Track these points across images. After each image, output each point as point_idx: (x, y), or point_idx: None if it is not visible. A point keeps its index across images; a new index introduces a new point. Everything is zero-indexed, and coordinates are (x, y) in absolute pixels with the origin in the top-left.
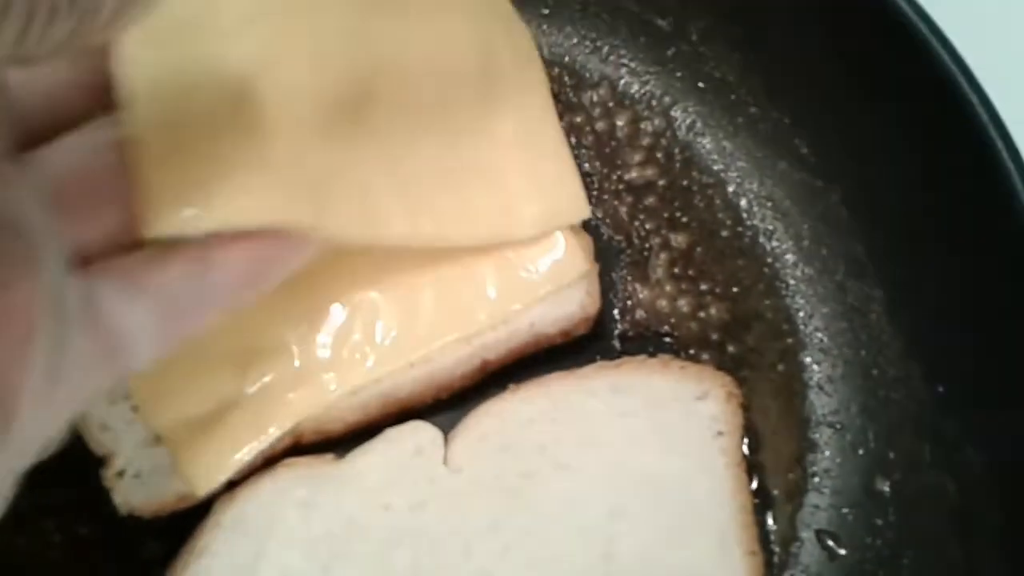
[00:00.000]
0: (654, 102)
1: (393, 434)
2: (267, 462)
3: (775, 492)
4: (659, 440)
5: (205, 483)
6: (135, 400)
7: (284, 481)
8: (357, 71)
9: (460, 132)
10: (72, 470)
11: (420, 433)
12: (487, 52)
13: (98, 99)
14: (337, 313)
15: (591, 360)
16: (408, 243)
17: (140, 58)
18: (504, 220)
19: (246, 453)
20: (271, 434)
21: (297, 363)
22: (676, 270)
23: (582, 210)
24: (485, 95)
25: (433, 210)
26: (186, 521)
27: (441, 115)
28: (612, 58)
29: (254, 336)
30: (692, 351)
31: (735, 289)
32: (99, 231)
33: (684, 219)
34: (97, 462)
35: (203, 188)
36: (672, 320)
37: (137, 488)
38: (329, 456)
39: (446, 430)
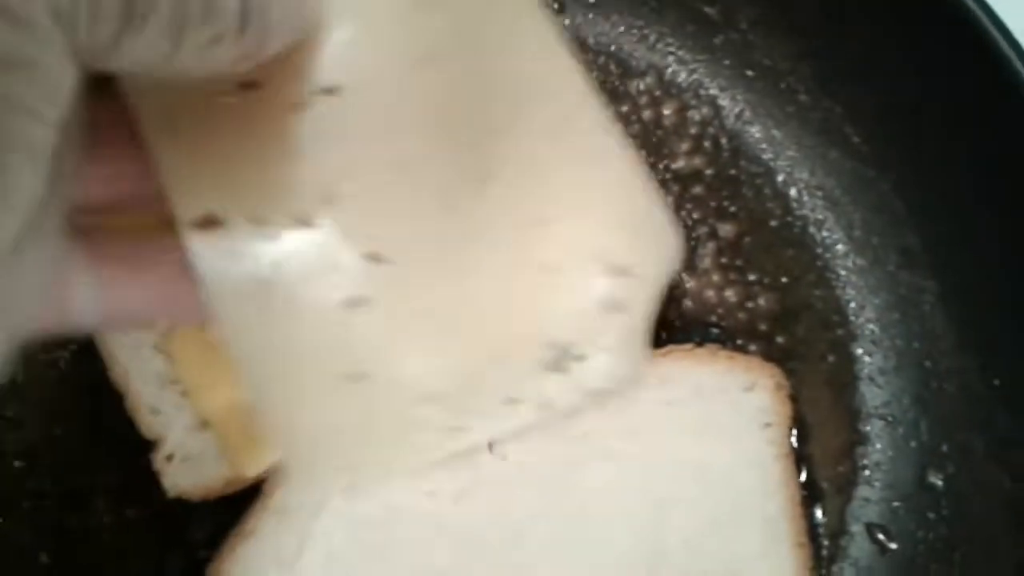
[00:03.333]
0: (701, 91)
1: None
2: None
3: (824, 484)
4: (706, 430)
5: (252, 466)
6: (184, 385)
7: None
8: None
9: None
10: (122, 453)
11: None
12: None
13: None
14: None
15: None
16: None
17: None
18: None
19: None
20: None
21: None
22: (724, 260)
23: None
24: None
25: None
26: (234, 505)
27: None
28: (659, 46)
29: None
30: (740, 341)
31: (784, 279)
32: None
33: (732, 208)
34: (147, 446)
35: None
36: (719, 310)
37: (186, 472)
38: None
39: None
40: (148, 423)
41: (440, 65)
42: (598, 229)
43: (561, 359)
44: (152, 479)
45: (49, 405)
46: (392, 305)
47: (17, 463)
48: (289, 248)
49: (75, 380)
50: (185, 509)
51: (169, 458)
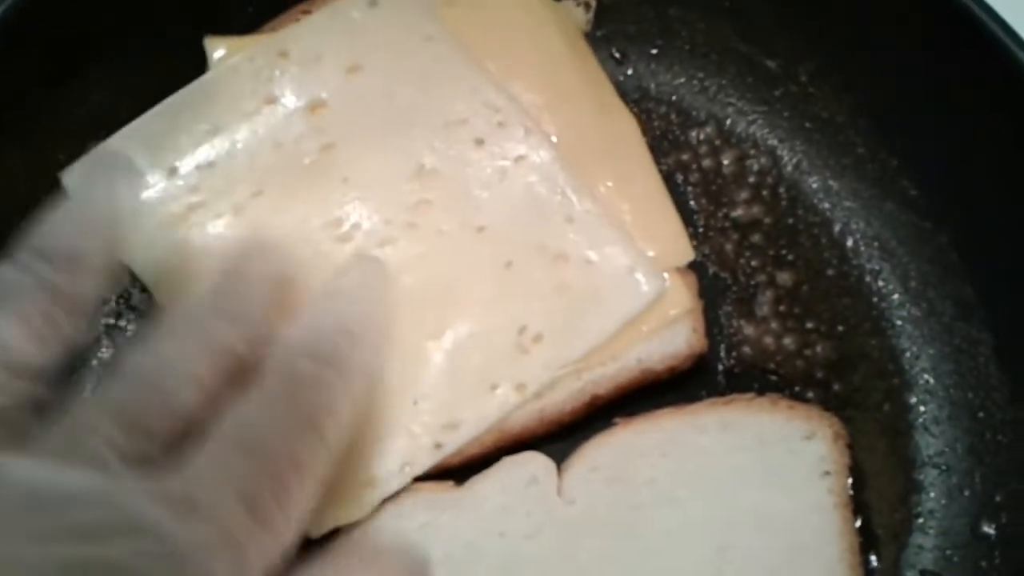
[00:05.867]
0: (760, 141)
1: (509, 462)
2: None
3: (879, 532)
4: (767, 478)
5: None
6: None
7: (406, 506)
8: None
9: None
10: None
11: (534, 463)
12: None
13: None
14: None
15: (696, 395)
16: None
17: None
18: None
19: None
20: (406, 473)
21: None
22: (782, 307)
23: (685, 252)
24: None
25: None
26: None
27: None
28: (719, 97)
29: None
30: (797, 388)
31: (841, 328)
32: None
33: (790, 257)
34: None
35: None
36: (778, 357)
37: None
38: (449, 483)
39: (558, 461)
40: None
41: None
42: (533, 224)
43: (525, 341)
44: None
45: None
46: None
47: None
48: None
49: None
50: None
51: None
